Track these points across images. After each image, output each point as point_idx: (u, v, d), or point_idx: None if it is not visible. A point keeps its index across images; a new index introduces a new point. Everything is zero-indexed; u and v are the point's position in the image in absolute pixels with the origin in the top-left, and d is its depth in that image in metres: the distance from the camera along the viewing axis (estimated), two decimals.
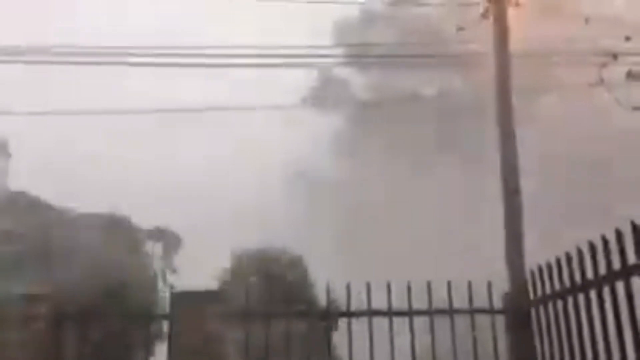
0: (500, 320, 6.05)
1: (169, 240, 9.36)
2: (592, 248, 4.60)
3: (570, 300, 4.93)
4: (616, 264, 4.29)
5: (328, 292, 6.16)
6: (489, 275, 6.16)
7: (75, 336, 5.81)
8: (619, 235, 4.27)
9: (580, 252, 4.81)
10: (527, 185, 9.17)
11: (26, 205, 9.34)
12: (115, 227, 7.79)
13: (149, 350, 5.92)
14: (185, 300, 5.87)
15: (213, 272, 9.96)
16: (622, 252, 4.24)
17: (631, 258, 4.13)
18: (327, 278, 6.44)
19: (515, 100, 8.45)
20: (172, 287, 5.93)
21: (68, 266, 7.27)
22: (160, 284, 8.16)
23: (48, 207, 9.64)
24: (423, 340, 5.99)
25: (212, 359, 5.58)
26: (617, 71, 9.94)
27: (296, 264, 10.75)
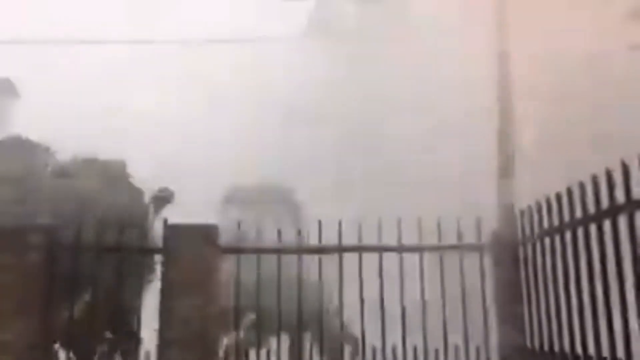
0: (489, 257, 6.16)
1: (162, 194, 9.38)
2: (582, 188, 4.62)
3: (557, 238, 4.99)
4: (606, 204, 4.32)
5: (320, 228, 6.23)
6: (479, 211, 6.22)
7: (68, 268, 5.89)
8: (609, 176, 4.28)
9: (569, 192, 4.84)
10: (522, 123, 9.13)
11: (23, 147, 9.31)
12: (108, 169, 7.80)
13: (142, 284, 6.01)
14: (179, 233, 5.92)
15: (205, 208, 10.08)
16: (611, 192, 4.26)
17: (620, 198, 4.16)
18: (321, 214, 6.50)
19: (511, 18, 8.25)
20: (166, 220, 5.95)
21: (62, 202, 7.31)
22: (153, 219, 8.21)
23: (43, 150, 9.61)
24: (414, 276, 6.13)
25: (207, 292, 5.69)
26: None
27: (289, 198, 10.83)
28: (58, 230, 5.94)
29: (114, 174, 7.25)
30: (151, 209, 6.89)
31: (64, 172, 7.29)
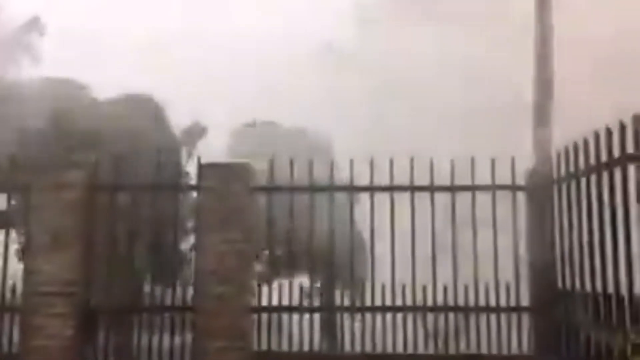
0: (522, 197, 6.11)
1: (195, 129, 9.48)
2: (622, 127, 4.51)
3: (593, 178, 4.92)
4: None
5: (352, 166, 6.24)
6: (513, 151, 6.13)
7: (106, 203, 6.06)
8: None
9: (609, 132, 4.73)
10: (561, 63, 8.87)
11: (55, 85, 9.45)
12: (140, 104, 7.85)
13: (177, 221, 6.16)
14: (213, 171, 6.01)
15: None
16: None
17: None
18: (351, 153, 6.49)
19: None
20: (199, 159, 6.03)
21: (98, 139, 7.45)
22: (185, 158, 8.32)
23: (78, 87, 9.72)
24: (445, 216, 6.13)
25: (239, 228, 5.81)
26: None
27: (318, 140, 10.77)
28: (95, 167, 6.08)
29: (147, 111, 7.32)
30: (185, 146, 6.99)
31: (97, 109, 7.39)
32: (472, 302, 5.97)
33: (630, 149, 4.40)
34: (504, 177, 6.06)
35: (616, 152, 4.60)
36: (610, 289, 4.62)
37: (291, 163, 6.22)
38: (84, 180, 5.96)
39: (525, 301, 5.97)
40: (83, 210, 5.90)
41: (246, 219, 5.87)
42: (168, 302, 6.01)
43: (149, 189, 6.18)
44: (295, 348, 5.97)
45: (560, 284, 5.59)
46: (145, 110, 7.59)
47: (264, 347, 5.99)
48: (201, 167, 6.05)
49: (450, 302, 5.98)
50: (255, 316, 5.95)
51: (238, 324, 5.63)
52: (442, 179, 6.11)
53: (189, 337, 5.83)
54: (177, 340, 5.97)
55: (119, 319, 6.17)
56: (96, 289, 6.09)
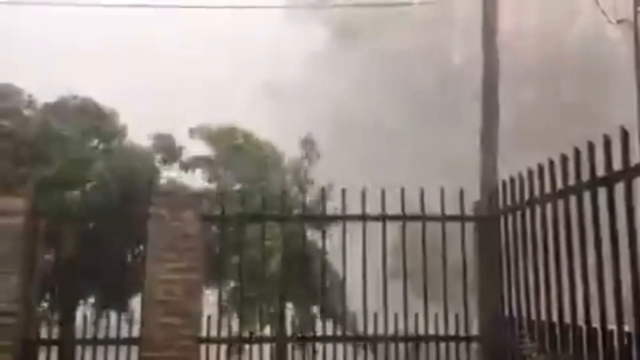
0: (471, 227, 6.22)
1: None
2: (564, 160, 4.67)
3: (538, 209, 5.05)
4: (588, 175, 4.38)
5: (304, 197, 6.26)
6: (463, 183, 6.25)
7: (51, 230, 5.88)
8: (591, 148, 4.32)
9: (552, 164, 4.88)
10: (506, 92, 9.17)
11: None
12: (86, 113, 7.66)
13: (126, 248, 6.02)
14: (164, 198, 5.92)
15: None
16: (593, 166, 4.32)
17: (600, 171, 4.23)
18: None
19: (500, 7, 8.25)
20: (153, 185, 5.93)
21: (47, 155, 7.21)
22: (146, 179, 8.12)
23: (17, 93, 9.49)
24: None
25: (188, 257, 5.70)
26: None
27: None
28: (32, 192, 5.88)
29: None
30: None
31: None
32: (422, 331, 5.99)
33: (571, 181, 4.56)
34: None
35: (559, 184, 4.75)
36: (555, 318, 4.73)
37: (241, 194, 6.19)
38: (24, 207, 5.75)
39: (474, 330, 6.03)
40: (23, 237, 5.68)
41: (195, 247, 5.77)
42: (113, 333, 5.81)
43: (99, 214, 6.04)
44: None
45: (507, 313, 5.67)
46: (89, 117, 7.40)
47: None
48: (154, 194, 5.96)
49: (401, 332, 5.99)
50: (203, 348, 5.80)
51: (185, 356, 5.48)
52: (394, 208, 6.15)
53: None
54: None
55: (61, 351, 5.93)
56: (37, 319, 5.84)
